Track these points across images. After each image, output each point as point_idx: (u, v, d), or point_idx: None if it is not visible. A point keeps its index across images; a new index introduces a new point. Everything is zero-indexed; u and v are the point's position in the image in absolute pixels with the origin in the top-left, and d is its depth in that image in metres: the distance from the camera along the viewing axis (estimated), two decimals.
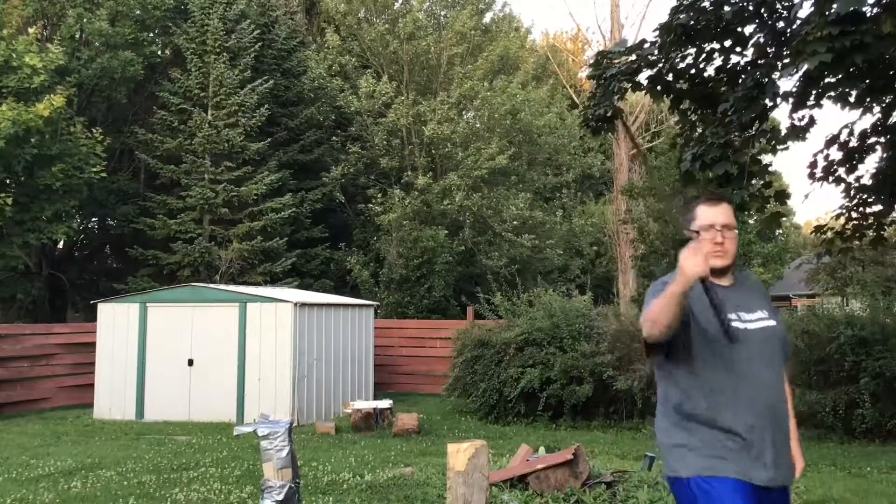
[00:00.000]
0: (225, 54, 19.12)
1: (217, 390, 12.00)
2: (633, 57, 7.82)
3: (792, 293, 25.29)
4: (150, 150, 19.43)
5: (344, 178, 21.67)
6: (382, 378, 15.00)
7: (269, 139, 19.88)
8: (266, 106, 19.65)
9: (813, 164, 8.26)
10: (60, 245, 21.03)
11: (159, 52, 21.62)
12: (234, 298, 12.25)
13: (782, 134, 7.38)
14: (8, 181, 16.54)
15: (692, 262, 2.32)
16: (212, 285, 13.66)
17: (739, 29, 7.55)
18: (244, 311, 12.04)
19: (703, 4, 7.42)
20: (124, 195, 20.46)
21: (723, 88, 7.71)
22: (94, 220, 22.27)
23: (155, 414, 12.27)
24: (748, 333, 2.59)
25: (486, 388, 11.87)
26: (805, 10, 6.66)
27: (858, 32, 5.85)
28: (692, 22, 7.34)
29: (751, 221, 17.50)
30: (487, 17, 26.12)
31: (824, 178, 8.28)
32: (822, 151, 8.22)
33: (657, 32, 7.62)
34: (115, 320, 12.64)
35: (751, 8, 7.40)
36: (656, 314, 2.40)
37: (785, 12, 7.35)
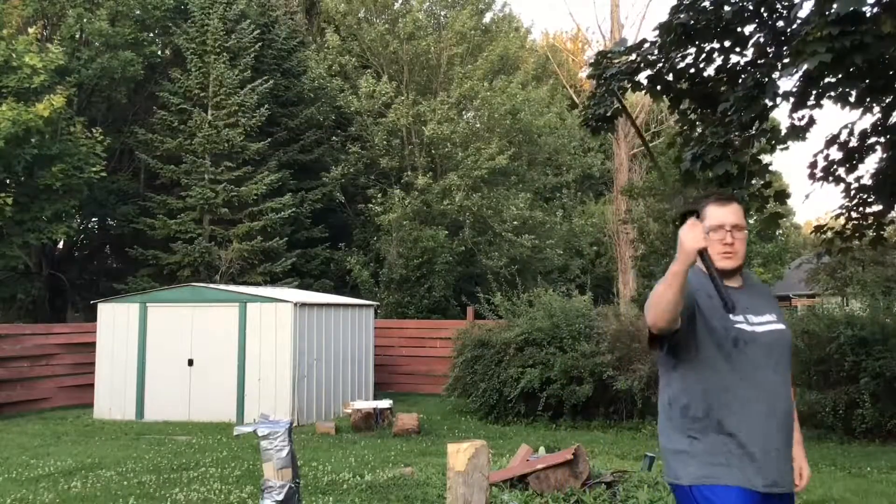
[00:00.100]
0: (225, 54, 19.12)
1: (217, 390, 12.00)
2: (633, 57, 7.82)
3: (792, 293, 25.30)
4: (150, 150, 19.43)
5: (344, 178, 21.68)
6: (382, 378, 15.00)
7: (269, 139, 19.88)
8: (266, 106, 19.65)
9: (813, 165, 8.26)
10: (60, 245, 21.03)
11: (159, 52, 21.62)
12: (234, 298, 12.25)
13: (782, 134, 7.39)
14: (8, 181, 16.55)
15: (691, 235, 2.31)
16: (212, 285, 13.66)
17: (739, 29, 7.56)
18: (244, 311, 12.04)
19: (703, 4, 7.42)
20: (124, 195, 20.46)
21: (723, 88, 7.71)
22: (94, 220, 22.27)
23: (155, 414, 12.27)
24: (755, 336, 2.54)
25: (486, 388, 11.87)
26: (805, 10, 6.67)
27: (858, 32, 5.85)
28: (692, 21, 7.34)
29: (751, 221, 17.49)
30: (487, 17, 26.13)
31: (824, 178, 8.28)
32: (822, 151, 8.23)
33: (657, 32, 7.63)
34: (115, 320, 12.64)
35: (751, 8, 7.40)
36: (658, 296, 2.36)
37: (785, 12, 7.35)
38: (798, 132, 7.17)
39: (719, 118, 7.31)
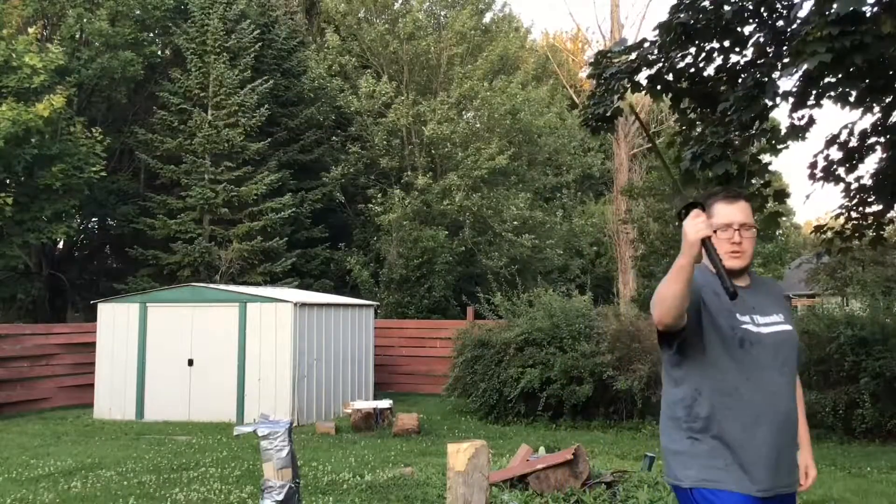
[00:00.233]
0: (225, 54, 19.12)
1: (217, 390, 11.99)
2: (633, 56, 7.82)
3: (792, 293, 25.29)
4: (150, 150, 19.44)
5: (344, 178, 21.68)
6: (382, 378, 15.00)
7: (269, 139, 19.89)
8: (266, 106, 19.65)
9: (813, 165, 8.27)
10: (60, 245, 21.04)
11: (159, 52, 21.62)
12: (234, 298, 12.25)
13: (782, 133, 7.39)
14: (8, 181, 16.55)
15: (693, 225, 2.27)
16: (212, 285, 13.65)
17: (739, 28, 7.56)
18: (244, 311, 12.04)
19: (702, 4, 7.42)
20: (124, 195, 20.47)
21: (722, 88, 7.72)
22: (94, 220, 22.28)
23: (155, 414, 12.27)
24: (761, 337, 2.52)
25: (486, 388, 11.87)
26: (805, 10, 6.67)
27: (858, 32, 5.85)
28: (692, 21, 7.34)
29: None
30: (487, 17, 26.13)
31: (824, 179, 8.29)
32: (822, 151, 8.23)
33: (657, 32, 7.63)
34: (115, 320, 12.64)
35: (751, 7, 7.40)
36: (664, 291, 2.33)
37: (785, 12, 7.35)
38: (798, 132, 7.17)
39: (719, 118, 7.32)
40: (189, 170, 18.82)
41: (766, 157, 8.20)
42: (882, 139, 8.14)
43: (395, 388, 15.30)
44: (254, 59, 19.93)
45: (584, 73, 25.60)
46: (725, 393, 2.49)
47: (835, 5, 5.85)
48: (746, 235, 2.59)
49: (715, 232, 2.51)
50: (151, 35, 21.06)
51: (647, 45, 7.79)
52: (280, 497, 5.04)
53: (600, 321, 11.91)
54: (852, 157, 8.23)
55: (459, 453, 4.66)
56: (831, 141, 8.20)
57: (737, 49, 7.68)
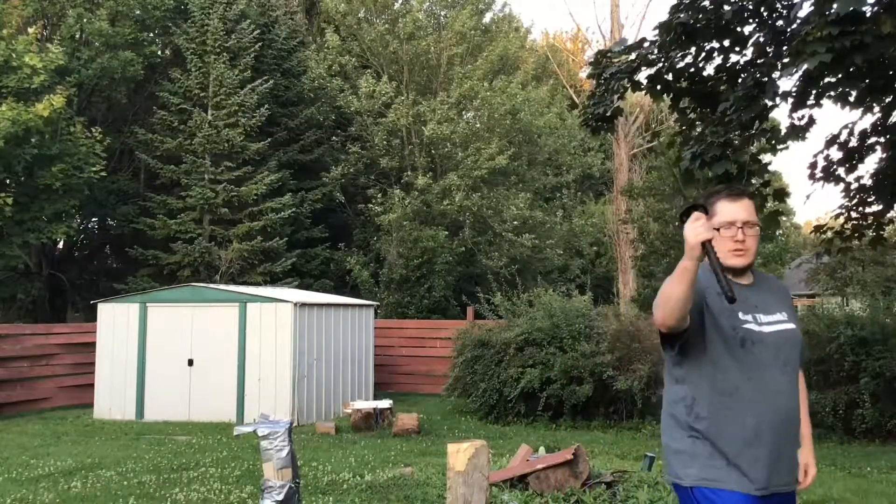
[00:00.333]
0: (225, 54, 19.12)
1: (217, 390, 11.99)
2: (633, 56, 7.82)
3: (792, 293, 25.18)
4: (150, 150, 19.44)
5: (344, 178, 21.68)
6: (382, 378, 15.00)
7: (269, 139, 19.88)
8: (266, 106, 19.65)
9: (813, 165, 8.28)
10: (60, 245, 21.04)
11: (159, 52, 21.62)
12: (234, 298, 12.25)
13: (782, 133, 7.39)
14: (8, 181, 16.55)
15: (693, 229, 2.26)
16: (212, 285, 13.65)
17: (739, 28, 7.56)
18: (244, 311, 12.03)
19: (702, 3, 7.42)
20: (124, 195, 20.47)
21: (722, 87, 7.72)
22: (94, 220, 22.28)
23: (155, 414, 12.27)
24: (762, 336, 2.51)
25: (486, 388, 11.87)
26: (805, 10, 6.67)
27: (858, 32, 5.85)
28: (692, 21, 7.34)
29: None
30: (487, 17, 26.13)
31: (824, 179, 8.29)
32: (822, 151, 8.24)
33: (657, 31, 7.63)
34: (115, 320, 12.64)
35: (750, 7, 7.41)
36: (667, 294, 2.33)
37: (785, 12, 7.35)
38: (798, 132, 7.17)
39: (719, 117, 7.32)
40: (189, 170, 18.82)
41: (766, 157, 8.21)
42: (882, 139, 8.14)
43: (395, 388, 15.30)
44: (254, 59, 19.93)
45: (584, 73, 25.60)
46: (726, 392, 2.49)
47: (835, 5, 5.85)
48: (750, 233, 2.58)
49: (718, 230, 2.50)
50: (151, 35, 21.06)
51: (646, 44, 7.79)
52: (280, 497, 5.04)
53: (600, 321, 11.91)
54: (852, 157, 8.23)
55: (459, 453, 4.65)
56: (831, 141, 8.20)
57: (737, 49, 7.69)
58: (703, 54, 7.78)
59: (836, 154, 8.24)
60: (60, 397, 13.77)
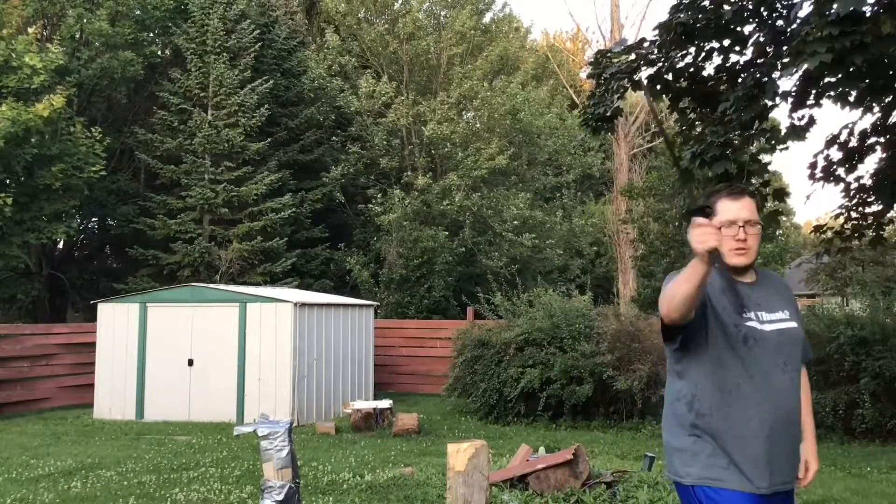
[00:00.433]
0: (225, 54, 19.12)
1: (217, 390, 11.99)
2: (633, 56, 7.82)
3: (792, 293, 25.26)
4: (150, 150, 19.44)
5: (344, 178, 21.68)
6: (382, 378, 15.00)
7: (269, 139, 19.88)
8: (266, 106, 19.65)
9: (813, 165, 8.27)
10: (60, 245, 21.05)
11: (159, 52, 21.63)
12: (234, 298, 12.25)
13: (782, 133, 7.39)
14: (8, 181, 16.54)
15: (697, 236, 2.20)
16: (212, 285, 13.65)
17: (739, 28, 7.56)
18: (244, 311, 12.03)
19: (702, 3, 7.42)
20: (124, 195, 20.47)
21: (722, 87, 7.72)
22: (94, 220, 22.28)
23: (155, 414, 12.27)
24: (764, 335, 2.52)
25: (486, 388, 11.86)
26: (805, 10, 6.66)
27: (858, 33, 5.84)
28: (692, 21, 7.34)
29: None
30: (487, 17, 26.14)
31: (824, 179, 8.29)
32: (822, 152, 8.23)
33: (657, 31, 7.63)
34: (115, 320, 12.64)
35: (750, 7, 7.41)
36: (675, 290, 2.31)
37: (785, 12, 7.35)
38: (798, 132, 7.16)
39: (719, 117, 7.32)
40: (189, 170, 18.82)
41: (765, 157, 8.21)
42: (882, 139, 8.14)
43: (395, 388, 15.30)
44: (254, 59, 19.93)
45: (584, 73, 25.59)
46: (727, 389, 2.49)
47: (835, 5, 5.85)
48: (751, 232, 2.58)
49: (719, 229, 2.48)
50: (151, 35, 21.06)
51: (646, 44, 7.79)
52: (280, 497, 5.04)
53: (600, 321, 11.90)
54: (852, 157, 8.23)
55: (459, 453, 4.65)
56: (831, 141, 8.20)
57: (737, 49, 7.68)
58: (703, 54, 7.77)
59: (836, 154, 8.24)
60: (60, 397, 13.77)
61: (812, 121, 7.24)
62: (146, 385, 12.41)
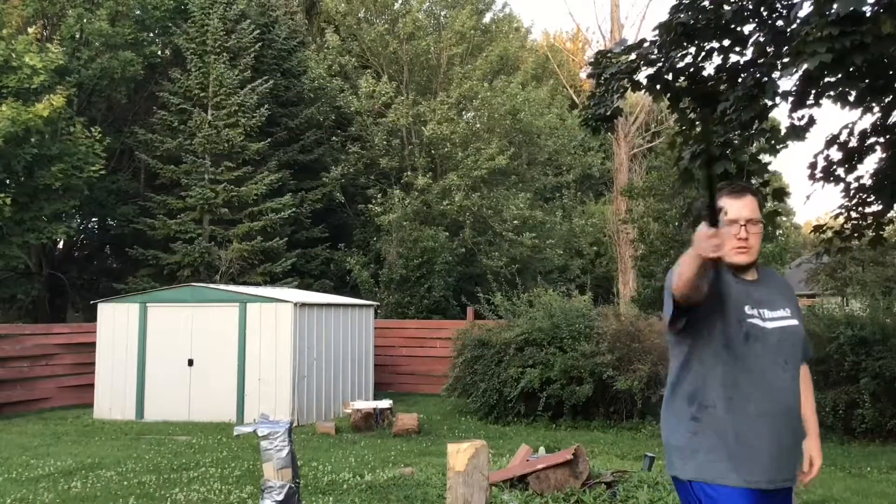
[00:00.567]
0: (225, 54, 19.12)
1: (217, 390, 11.99)
2: (633, 56, 7.82)
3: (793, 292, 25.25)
4: (150, 150, 19.44)
5: (344, 178, 21.68)
6: (382, 378, 15.00)
7: (269, 139, 19.88)
8: (266, 106, 19.65)
9: (813, 165, 8.27)
10: (60, 245, 21.05)
11: (159, 52, 21.63)
12: (234, 298, 12.25)
13: (782, 133, 7.39)
14: (8, 181, 16.54)
15: (703, 244, 2.17)
16: (212, 285, 13.65)
17: (739, 28, 7.56)
18: (244, 311, 12.03)
19: (702, 3, 7.42)
20: (124, 195, 20.47)
21: (722, 87, 7.72)
22: (94, 220, 22.27)
23: (155, 414, 12.27)
24: (765, 332, 2.52)
25: (486, 388, 11.86)
26: (805, 10, 6.66)
27: (858, 33, 5.84)
28: (692, 21, 7.34)
29: None
30: (487, 17, 26.14)
31: (824, 179, 8.29)
32: (822, 151, 8.23)
33: (657, 31, 7.63)
34: (115, 320, 12.64)
35: (750, 7, 7.40)
36: (684, 267, 2.30)
37: (785, 12, 7.35)
38: (798, 132, 7.17)
39: (719, 117, 7.32)
40: (189, 170, 18.82)
41: (765, 157, 8.21)
42: (882, 139, 8.14)
43: (395, 388, 15.30)
44: (254, 59, 19.93)
45: (584, 73, 25.61)
46: (727, 384, 2.50)
47: (835, 5, 5.85)
48: (753, 231, 2.58)
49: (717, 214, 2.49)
50: (151, 35, 21.06)
51: (646, 44, 7.79)
52: (280, 497, 5.05)
53: (600, 321, 11.90)
54: (852, 157, 8.23)
55: (459, 453, 4.66)
56: (831, 141, 8.20)
57: (737, 49, 7.68)
58: (703, 54, 7.77)
59: (836, 154, 8.24)
60: (60, 397, 13.77)
61: (812, 121, 7.24)
62: (146, 385, 12.41)
